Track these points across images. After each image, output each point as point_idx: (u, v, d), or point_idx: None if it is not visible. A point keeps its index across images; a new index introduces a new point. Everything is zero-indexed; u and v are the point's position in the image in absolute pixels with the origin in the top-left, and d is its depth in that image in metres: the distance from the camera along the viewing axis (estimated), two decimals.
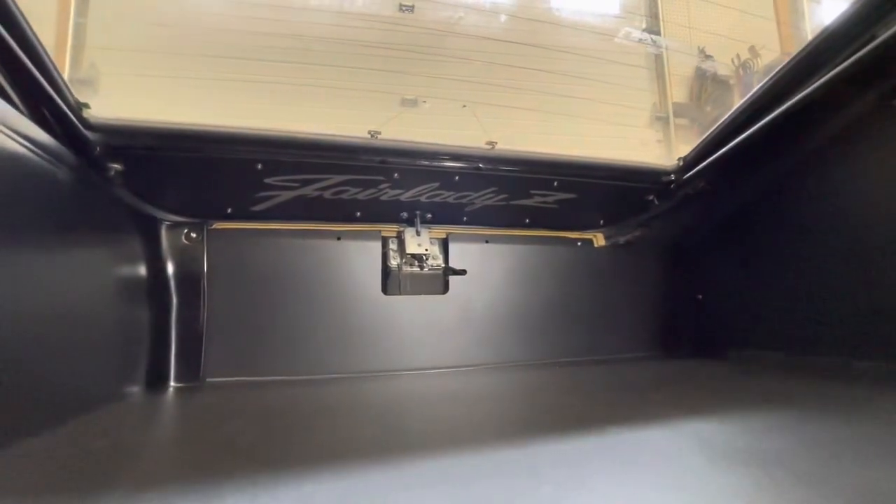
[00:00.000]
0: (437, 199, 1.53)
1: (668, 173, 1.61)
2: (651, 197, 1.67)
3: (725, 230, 1.69)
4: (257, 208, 1.44)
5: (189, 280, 1.40)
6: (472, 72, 2.53)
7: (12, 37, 0.84)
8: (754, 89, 1.37)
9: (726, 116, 1.44)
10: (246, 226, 1.48)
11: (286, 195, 1.41)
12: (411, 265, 1.61)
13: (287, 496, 0.65)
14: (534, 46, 2.67)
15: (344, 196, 1.45)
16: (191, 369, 1.36)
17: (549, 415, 1.10)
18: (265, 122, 1.40)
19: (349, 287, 1.55)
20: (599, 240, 1.83)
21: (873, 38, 1.09)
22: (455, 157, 1.44)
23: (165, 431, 1.05)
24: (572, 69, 2.72)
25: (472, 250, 1.68)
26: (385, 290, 1.58)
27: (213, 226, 1.45)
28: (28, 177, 0.88)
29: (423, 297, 1.62)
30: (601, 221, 1.79)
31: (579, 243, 1.81)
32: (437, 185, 1.48)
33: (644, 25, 3.02)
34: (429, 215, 1.61)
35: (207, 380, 1.37)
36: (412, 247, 1.58)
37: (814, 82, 1.21)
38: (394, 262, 1.60)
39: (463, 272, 1.63)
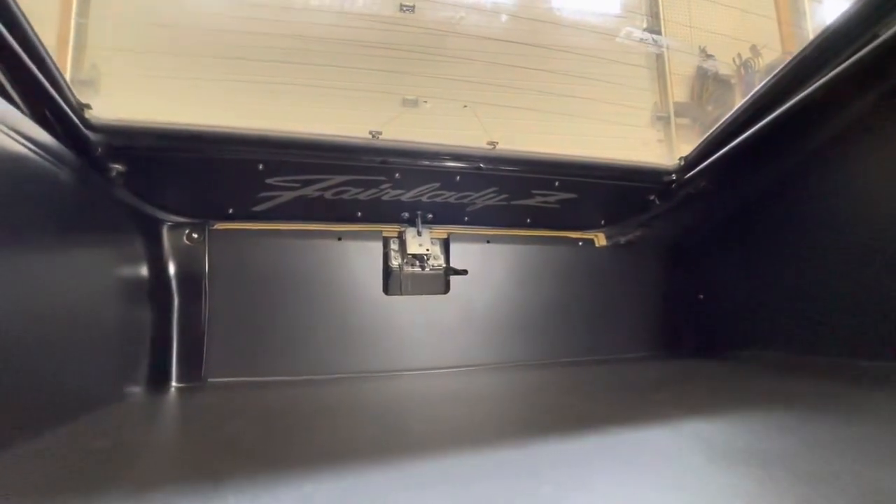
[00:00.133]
0: (438, 200, 1.53)
1: (669, 173, 1.61)
2: (652, 197, 1.67)
3: (727, 230, 1.69)
4: (258, 209, 1.44)
5: (190, 280, 1.40)
6: (472, 72, 2.53)
7: (14, 37, 0.84)
8: (755, 89, 1.37)
9: (727, 116, 1.44)
10: (247, 226, 1.48)
11: (287, 195, 1.41)
12: (412, 265, 1.61)
13: (288, 496, 0.65)
14: (534, 46, 2.67)
15: (345, 196, 1.45)
16: (192, 369, 1.36)
17: (549, 415, 1.10)
18: (266, 123, 1.40)
19: (350, 287, 1.55)
20: (601, 240, 1.83)
21: (875, 37, 1.09)
22: (456, 157, 1.44)
23: (167, 431, 1.05)
24: (573, 69, 2.72)
25: (473, 250, 1.68)
26: (386, 290, 1.58)
27: (215, 226, 1.45)
28: (30, 177, 0.89)
29: (424, 297, 1.62)
30: (602, 221, 1.79)
31: (580, 243, 1.81)
32: (438, 185, 1.48)
33: (645, 25, 3.01)
34: (430, 215, 1.61)
35: (209, 380, 1.37)
36: (413, 247, 1.58)
37: (815, 82, 1.21)
38: (395, 262, 1.60)
39: (464, 272, 1.63)
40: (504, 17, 2.75)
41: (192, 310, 1.39)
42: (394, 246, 1.62)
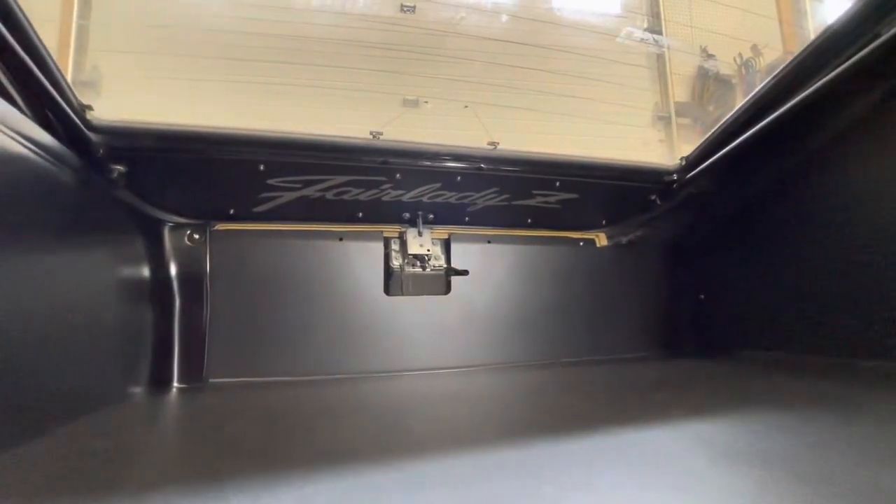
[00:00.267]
0: (438, 200, 1.53)
1: (670, 173, 1.61)
2: (653, 197, 1.67)
3: (728, 230, 1.68)
4: (260, 209, 1.44)
5: (192, 281, 1.40)
6: (473, 72, 2.53)
7: (16, 39, 0.84)
8: (757, 88, 1.36)
9: (729, 116, 1.44)
10: (248, 227, 1.48)
11: (288, 196, 1.41)
12: (413, 266, 1.61)
13: (289, 496, 0.65)
14: (535, 46, 2.67)
15: (346, 197, 1.45)
16: (194, 370, 1.36)
17: (550, 415, 1.10)
18: (267, 123, 1.40)
19: (351, 288, 1.55)
20: (602, 240, 1.82)
21: (877, 36, 1.09)
22: (457, 157, 1.44)
23: (168, 432, 1.05)
24: (574, 69, 2.72)
25: (474, 250, 1.68)
26: (387, 290, 1.59)
27: (216, 227, 1.45)
28: (31, 178, 0.89)
29: (425, 297, 1.62)
30: (603, 221, 1.79)
31: (581, 243, 1.80)
32: (438, 185, 1.48)
33: (646, 25, 3.01)
34: (431, 216, 1.61)
35: (210, 380, 1.37)
36: (414, 247, 1.58)
37: (817, 81, 1.21)
38: (396, 262, 1.60)
39: (465, 272, 1.63)
40: (504, 18, 2.75)
41: (194, 310, 1.39)
42: (395, 246, 1.62)
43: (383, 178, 1.42)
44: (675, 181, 1.61)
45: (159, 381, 1.31)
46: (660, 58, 3.08)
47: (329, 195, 1.43)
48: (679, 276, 1.84)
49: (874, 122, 1.23)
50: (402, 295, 1.60)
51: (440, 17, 2.58)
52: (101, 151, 1.11)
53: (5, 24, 0.82)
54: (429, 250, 1.60)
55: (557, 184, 1.55)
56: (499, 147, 1.49)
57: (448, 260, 1.65)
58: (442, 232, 1.66)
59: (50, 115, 0.97)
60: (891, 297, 1.18)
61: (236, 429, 0.98)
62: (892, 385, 1.12)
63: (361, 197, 1.47)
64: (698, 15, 3.06)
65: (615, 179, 1.61)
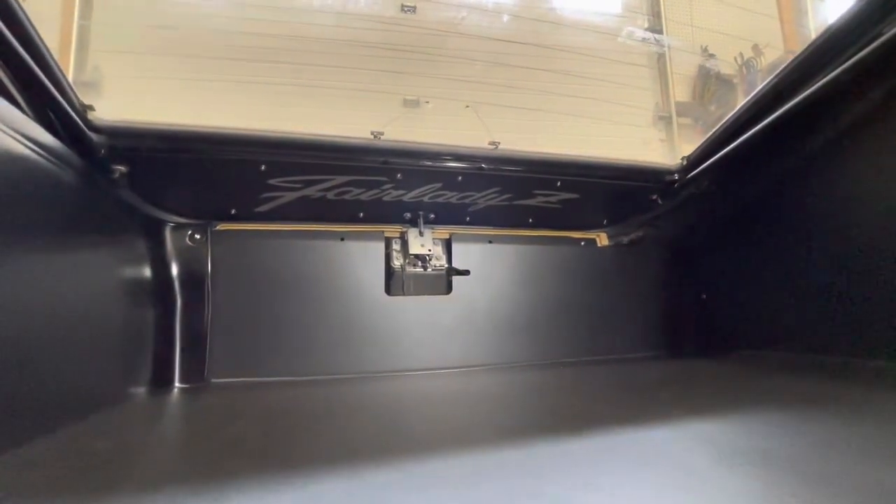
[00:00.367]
0: (440, 200, 1.53)
1: (671, 173, 1.61)
2: (655, 196, 1.67)
3: (729, 229, 1.68)
4: (261, 209, 1.44)
5: (193, 281, 1.40)
6: (474, 72, 2.53)
7: (18, 40, 0.84)
8: (758, 87, 1.36)
9: (730, 115, 1.44)
10: (249, 227, 1.48)
11: (289, 196, 1.41)
12: (414, 266, 1.61)
13: (292, 496, 0.65)
14: (536, 46, 2.67)
15: (347, 197, 1.45)
16: (195, 370, 1.36)
17: (553, 415, 1.10)
18: (268, 124, 1.40)
19: (352, 288, 1.55)
20: (603, 239, 1.82)
21: (879, 35, 1.09)
22: (458, 157, 1.44)
23: (170, 432, 1.05)
24: (574, 69, 2.72)
25: (475, 250, 1.68)
26: (388, 290, 1.58)
27: (217, 227, 1.45)
28: (33, 179, 0.89)
29: (426, 297, 1.62)
30: (605, 221, 1.79)
31: (583, 243, 1.80)
32: (439, 185, 1.48)
33: (646, 24, 3.01)
34: (432, 216, 1.61)
35: (212, 381, 1.37)
36: (415, 247, 1.58)
37: (819, 80, 1.20)
38: (397, 262, 1.60)
39: (466, 272, 1.63)
40: (505, 18, 2.75)
41: (195, 310, 1.39)
42: (396, 246, 1.62)
43: (384, 178, 1.42)
44: (676, 181, 1.61)
45: (161, 382, 1.31)
46: (661, 57, 3.08)
47: (330, 195, 1.43)
48: (680, 276, 1.84)
49: (876, 122, 1.23)
50: (404, 295, 1.60)
51: (441, 17, 2.58)
52: (103, 152, 1.11)
53: (7, 24, 0.82)
54: (430, 250, 1.60)
55: (558, 183, 1.55)
56: (500, 147, 1.49)
57: (449, 260, 1.65)
58: (443, 232, 1.66)
59: (51, 115, 0.97)
60: (893, 297, 1.18)
61: (238, 429, 0.98)
62: (893, 385, 1.11)
63: (362, 197, 1.47)
64: (699, 14, 3.06)
65: (616, 179, 1.61)
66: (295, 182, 1.37)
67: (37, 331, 0.87)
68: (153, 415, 1.15)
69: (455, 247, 1.66)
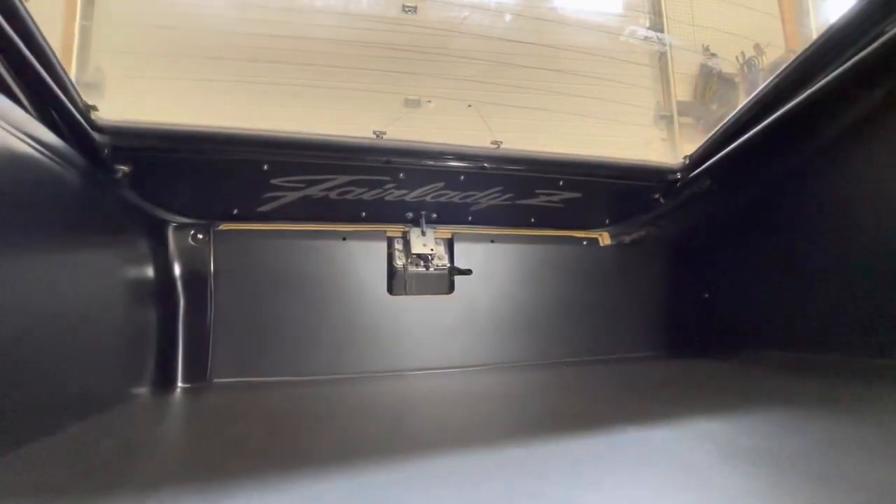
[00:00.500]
0: (442, 199, 1.53)
1: (673, 172, 1.61)
2: (657, 196, 1.67)
3: (732, 229, 1.68)
4: (263, 209, 1.44)
5: (196, 281, 1.40)
6: (475, 72, 2.53)
7: (21, 39, 0.84)
8: (761, 87, 1.36)
9: (732, 114, 1.44)
10: (252, 227, 1.49)
11: (292, 196, 1.41)
12: (417, 265, 1.61)
13: (296, 496, 0.65)
14: (537, 45, 2.67)
15: (349, 196, 1.45)
16: (198, 370, 1.36)
17: (555, 414, 1.10)
18: (270, 124, 1.40)
19: (355, 287, 1.55)
20: (605, 239, 1.82)
21: (881, 34, 1.08)
22: (460, 156, 1.44)
23: (174, 432, 1.06)
24: (576, 68, 2.72)
25: (477, 250, 1.68)
26: (390, 290, 1.59)
27: (220, 227, 1.46)
28: (37, 178, 0.89)
29: (428, 297, 1.62)
30: (607, 220, 1.79)
31: (585, 242, 1.80)
32: (442, 184, 1.48)
33: (648, 23, 3.01)
34: (434, 215, 1.61)
35: (214, 380, 1.37)
36: (417, 247, 1.58)
37: (821, 80, 1.20)
38: (399, 262, 1.60)
39: (468, 272, 1.63)
40: (507, 17, 2.75)
41: (198, 310, 1.40)
42: (398, 246, 1.62)
43: (387, 178, 1.42)
44: (678, 180, 1.61)
45: (164, 381, 1.31)
46: (662, 56, 3.08)
47: (332, 195, 1.43)
48: (683, 275, 1.84)
49: (878, 121, 1.23)
50: (406, 294, 1.60)
51: (442, 17, 2.58)
52: (106, 151, 1.11)
53: (11, 25, 0.82)
54: (432, 250, 1.60)
55: (561, 183, 1.55)
56: (502, 146, 1.49)
57: (451, 259, 1.65)
58: (445, 231, 1.66)
59: (55, 115, 0.97)
60: (894, 297, 1.17)
61: (241, 428, 0.98)
62: (895, 384, 1.11)
63: (365, 196, 1.47)
64: (700, 13, 3.05)
65: (618, 178, 1.61)
66: (297, 182, 1.37)
67: (40, 331, 0.87)
68: (156, 415, 1.15)
69: (457, 246, 1.66)
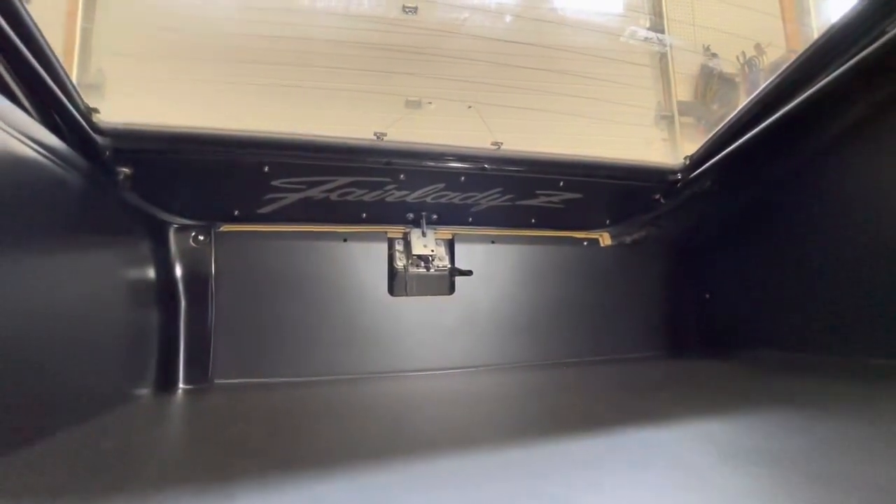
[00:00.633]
0: (442, 200, 1.53)
1: (674, 172, 1.61)
2: (657, 196, 1.66)
3: (733, 229, 1.68)
4: (264, 210, 1.45)
5: (197, 282, 1.41)
6: (476, 73, 2.53)
7: (23, 42, 0.84)
8: (762, 86, 1.36)
9: (733, 114, 1.43)
10: (253, 228, 1.49)
11: (292, 197, 1.42)
12: (417, 266, 1.61)
13: (297, 497, 0.65)
14: (537, 46, 2.67)
15: (350, 198, 1.45)
16: (199, 371, 1.36)
17: (556, 415, 1.10)
18: (271, 125, 1.40)
19: (355, 288, 1.55)
20: (606, 239, 1.82)
21: (882, 34, 1.08)
22: (460, 157, 1.44)
23: (176, 433, 1.06)
24: (576, 69, 2.71)
25: (477, 251, 1.68)
26: (391, 291, 1.59)
27: (221, 228, 1.46)
28: (39, 181, 0.89)
29: (429, 297, 1.62)
30: (607, 221, 1.79)
31: (585, 243, 1.80)
32: (442, 185, 1.48)
33: (648, 24, 3.01)
34: (434, 216, 1.61)
35: (216, 381, 1.37)
36: (418, 248, 1.59)
37: (823, 79, 1.20)
38: (400, 263, 1.60)
39: (469, 273, 1.63)
40: (507, 18, 2.75)
41: (199, 311, 1.40)
42: (399, 247, 1.62)
43: (387, 179, 1.42)
44: (679, 180, 1.61)
45: (165, 383, 1.31)
46: (662, 57, 3.07)
47: (333, 196, 1.43)
48: (683, 276, 1.83)
49: (880, 121, 1.23)
50: (406, 295, 1.60)
51: (442, 18, 2.58)
52: (108, 154, 1.12)
53: (12, 27, 0.82)
54: (433, 251, 1.60)
55: (561, 184, 1.55)
56: (502, 147, 1.49)
57: (452, 260, 1.65)
58: (446, 232, 1.66)
59: (57, 117, 0.97)
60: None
61: (242, 429, 0.98)
62: None
63: (365, 198, 1.47)
64: (701, 13, 3.05)
65: (619, 179, 1.60)
66: (298, 183, 1.38)
67: (42, 332, 0.87)
68: (157, 416, 1.15)
69: (458, 247, 1.66)
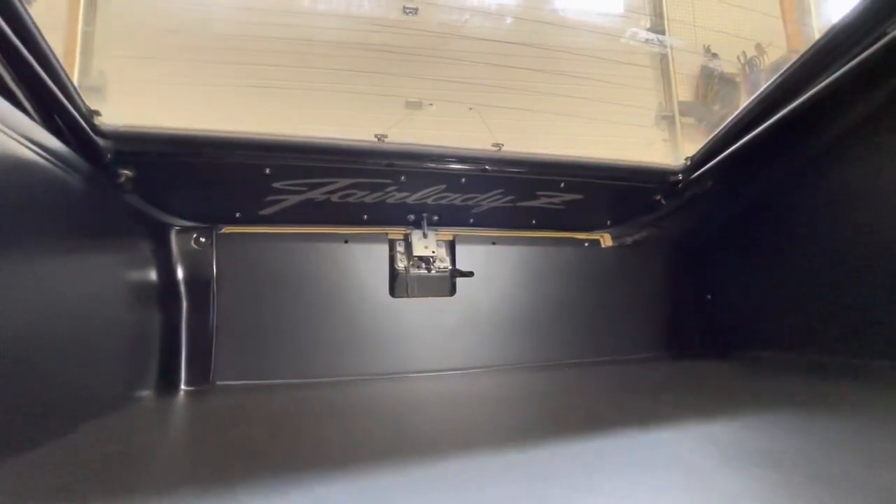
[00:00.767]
0: (443, 202, 1.53)
1: (675, 173, 1.61)
2: (658, 197, 1.66)
3: (734, 230, 1.68)
4: (265, 212, 1.45)
5: (199, 284, 1.41)
6: (476, 74, 2.53)
7: (25, 46, 0.85)
8: (763, 87, 1.36)
9: (734, 115, 1.43)
10: (254, 230, 1.49)
11: (294, 199, 1.42)
12: (418, 267, 1.61)
13: (299, 498, 0.65)
14: (538, 48, 2.67)
15: (351, 199, 1.46)
16: (201, 373, 1.37)
17: (558, 417, 1.09)
18: (272, 127, 1.41)
19: (357, 290, 1.55)
20: (607, 240, 1.82)
21: (884, 34, 1.08)
22: (461, 159, 1.44)
23: (178, 434, 1.06)
24: (577, 70, 2.72)
25: (478, 252, 1.68)
26: (392, 292, 1.59)
27: (222, 230, 1.46)
28: (41, 183, 0.90)
29: (430, 299, 1.62)
30: (608, 222, 1.79)
31: (586, 244, 1.80)
32: (443, 187, 1.48)
33: (649, 24, 3.01)
34: (435, 217, 1.61)
35: (217, 383, 1.38)
36: (419, 249, 1.59)
37: (823, 80, 1.20)
38: (401, 264, 1.60)
39: (470, 274, 1.63)
40: (508, 20, 2.75)
41: (201, 313, 1.40)
42: (400, 248, 1.62)
43: (388, 181, 1.42)
44: (680, 181, 1.60)
45: (167, 384, 1.31)
46: (663, 57, 3.07)
47: (334, 198, 1.44)
48: (685, 277, 1.83)
49: (881, 121, 1.22)
50: (408, 297, 1.60)
51: (443, 19, 2.59)
52: (109, 156, 1.12)
53: (13, 30, 0.83)
54: (434, 252, 1.60)
55: (562, 185, 1.55)
56: (503, 148, 1.49)
57: (453, 261, 1.65)
58: (447, 233, 1.67)
59: (59, 120, 0.98)
60: None
61: (245, 431, 0.98)
62: None
63: (366, 199, 1.47)
64: (701, 14, 3.05)
65: (620, 180, 1.60)
66: (299, 185, 1.38)
67: (43, 334, 0.87)
68: (160, 417, 1.16)
69: (459, 248, 1.66)
